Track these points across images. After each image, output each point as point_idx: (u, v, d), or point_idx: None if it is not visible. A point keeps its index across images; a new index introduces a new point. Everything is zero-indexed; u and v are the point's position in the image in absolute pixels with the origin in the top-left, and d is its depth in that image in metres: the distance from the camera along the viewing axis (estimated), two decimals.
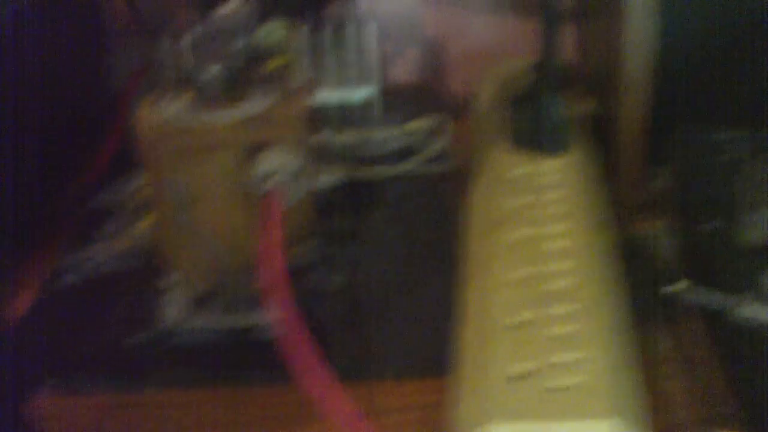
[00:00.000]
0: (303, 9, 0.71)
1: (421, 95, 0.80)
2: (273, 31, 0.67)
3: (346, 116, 0.70)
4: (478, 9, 0.81)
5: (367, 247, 0.62)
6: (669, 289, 0.53)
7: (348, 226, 0.64)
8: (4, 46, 0.61)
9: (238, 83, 0.51)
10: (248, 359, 0.52)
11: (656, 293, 0.53)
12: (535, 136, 0.56)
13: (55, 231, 0.66)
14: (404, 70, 0.83)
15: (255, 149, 0.50)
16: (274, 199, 0.48)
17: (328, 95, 0.68)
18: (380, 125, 0.69)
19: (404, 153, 0.69)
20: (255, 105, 0.51)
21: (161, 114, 0.51)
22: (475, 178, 0.59)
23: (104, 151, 0.71)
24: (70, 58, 0.72)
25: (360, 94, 0.69)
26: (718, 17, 0.57)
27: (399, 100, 0.74)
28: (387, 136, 0.68)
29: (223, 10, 0.56)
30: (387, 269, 0.59)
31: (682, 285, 0.53)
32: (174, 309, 0.54)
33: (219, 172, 0.50)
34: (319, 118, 0.69)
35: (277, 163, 0.49)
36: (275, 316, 0.45)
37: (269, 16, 0.68)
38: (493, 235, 0.50)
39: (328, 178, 0.65)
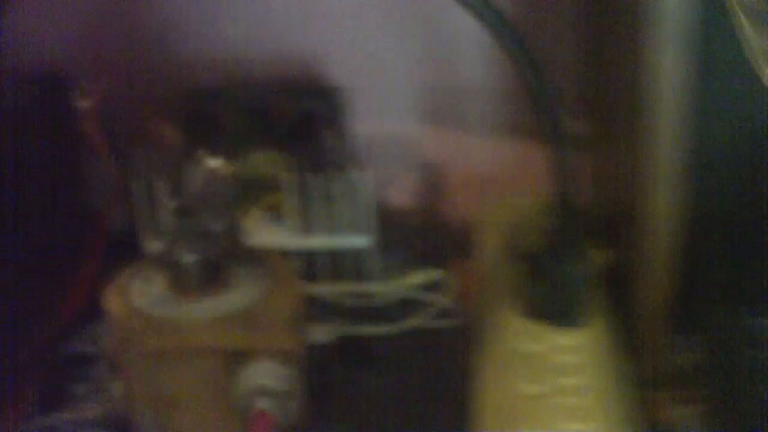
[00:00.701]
0: (292, 140, 0.65)
1: (420, 234, 0.73)
2: (262, 163, 0.61)
3: (339, 266, 0.64)
4: (480, 130, 0.75)
5: (364, 411, 0.56)
6: None
7: (344, 389, 0.58)
8: None
9: (220, 266, 0.45)
10: None
11: None
12: (549, 306, 0.51)
13: (16, 388, 0.59)
14: (400, 198, 0.77)
15: (239, 355, 0.43)
16: (262, 424, 0.42)
17: (320, 242, 0.61)
18: (376, 276, 0.63)
19: (404, 308, 0.63)
20: (239, 296, 0.44)
21: (133, 301, 0.44)
22: (484, 349, 0.53)
23: (76, 291, 0.64)
24: (41, 183, 0.66)
25: (354, 242, 0.63)
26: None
27: (395, 244, 0.68)
28: (385, 289, 0.61)
29: (202, 174, 0.49)
30: None
31: None
32: None
33: (197, 377, 0.44)
34: (310, 267, 0.63)
35: (266, 379, 0.43)
36: None
37: (257, 147, 0.62)
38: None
39: (321, 334, 0.59)
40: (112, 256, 0.64)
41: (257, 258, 0.48)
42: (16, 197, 0.61)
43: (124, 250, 0.64)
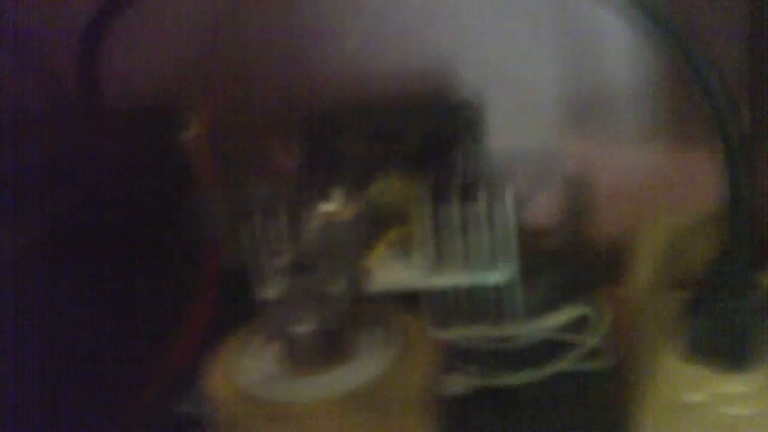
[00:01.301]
0: (422, 164, 0.59)
1: (564, 261, 0.66)
2: (388, 192, 0.55)
3: (474, 305, 0.57)
4: (630, 142, 0.68)
5: None
6: None
7: None
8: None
9: (341, 335, 0.38)
10: None
11: None
12: (714, 347, 0.45)
13: None
14: (539, 218, 0.70)
15: None
16: None
17: (453, 279, 0.54)
18: (517, 315, 0.56)
19: (548, 349, 0.56)
20: (363, 369, 0.38)
21: (240, 380, 0.38)
22: (639, 397, 0.48)
23: (185, 342, 0.58)
24: (147, 221, 0.61)
25: (493, 278, 0.56)
26: None
27: (536, 275, 0.61)
28: (526, 330, 0.55)
29: (318, 220, 0.43)
30: None
31: None
32: None
33: None
34: (442, 309, 0.57)
35: None
36: None
37: (382, 174, 0.56)
38: None
39: (456, 384, 0.53)
40: (227, 302, 0.59)
41: (383, 319, 0.41)
42: (120, 236, 0.56)
43: (234, 293, 0.59)
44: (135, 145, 0.59)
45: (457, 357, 0.56)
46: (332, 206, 0.44)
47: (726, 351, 0.45)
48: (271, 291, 0.49)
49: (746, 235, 0.44)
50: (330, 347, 0.39)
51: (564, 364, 0.55)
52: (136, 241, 0.58)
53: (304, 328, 0.38)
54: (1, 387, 0.41)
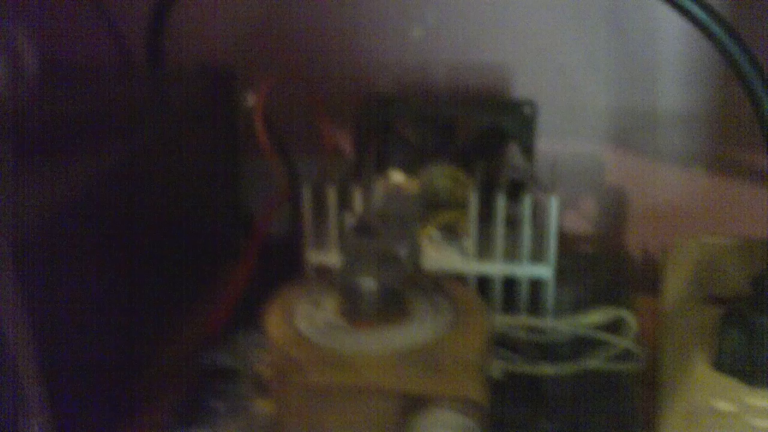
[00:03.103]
0: (474, 155, 0.60)
1: (599, 267, 0.67)
2: (440, 177, 0.56)
3: (514, 296, 0.58)
4: (673, 159, 0.69)
5: None
6: None
7: (511, 427, 0.52)
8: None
9: (401, 295, 0.39)
10: None
11: None
12: (745, 360, 0.46)
13: (152, 399, 0.55)
14: (578, 224, 0.71)
15: (416, 400, 0.38)
16: None
17: (496, 268, 0.55)
18: (553, 310, 0.58)
19: (580, 347, 0.57)
20: (420, 331, 0.39)
21: (299, 326, 0.39)
22: (667, 401, 0.49)
23: (225, 297, 0.60)
24: (199, 180, 0.63)
25: (534, 271, 0.57)
26: None
27: (573, 276, 0.62)
28: (561, 325, 0.56)
29: (386, 189, 0.44)
30: None
31: None
32: None
33: (364, 421, 0.39)
34: (482, 296, 0.57)
35: (446, 430, 0.37)
36: None
37: (435, 160, 0.57)
38: None
39: (494, 368, 0.54)
40: (269, 266, 0.60)
41: (442, 287, 0.43)
42: (172, 192, 0.58)
43: (282, 261, 0.60)
44: (194, 104, 0.60)
45: (496, 343, 0.56)
46: (399, 178, 0.46)
47: (758, 365, 0.46)
48: (319, 258, 0.51)
49: None
50: (391, 305, 0.40)
51: (596, 362, 0.55)
52: (185, 199, 0.60)
53: (368, 283, 0.39)
54: (43, 333, 0.41)
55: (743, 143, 0.68)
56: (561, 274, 0.59)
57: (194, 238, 0.62)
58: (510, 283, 0.59)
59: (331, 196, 0.55)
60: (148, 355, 0.56)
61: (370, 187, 0.44)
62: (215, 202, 0.66)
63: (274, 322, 0.40)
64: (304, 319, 0.40)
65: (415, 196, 0.44)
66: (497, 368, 0.54)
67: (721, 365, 0.48)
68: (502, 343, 0.57)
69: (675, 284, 0.58)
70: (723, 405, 0.46)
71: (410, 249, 0.41)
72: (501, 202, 0.56)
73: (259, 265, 0.61)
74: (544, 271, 0.57)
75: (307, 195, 0.56)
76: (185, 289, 0.61)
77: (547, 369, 0.56)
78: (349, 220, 0.53)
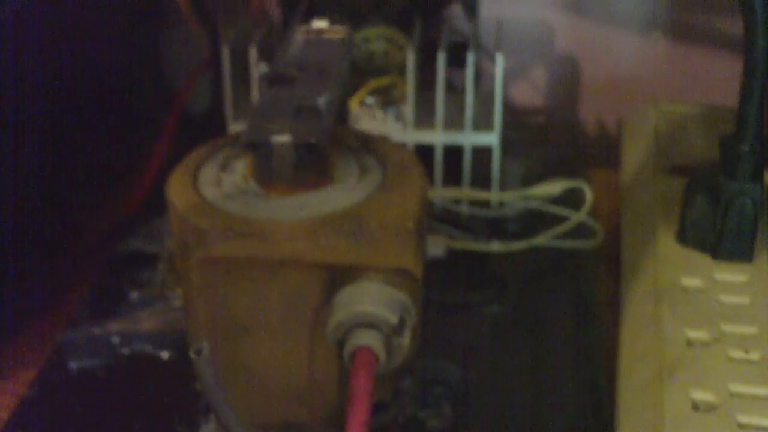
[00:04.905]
0: (412, 16, 0.55)
1: (551, 138, 0.63)
2: (374, 40, 0.51)
3: (456, 167, 0.54)
4: (631, 26, 0.65)
5: (478, 344, 0.46)
6: None
7: (455, 315, 0.48)
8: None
9: (321, 152, 0.34)
10: None
11: None
12: (713, 234, 0.43)
13: (65, 288, 0.51)
14: (527, 94, 0.67)
15: (340, 272, 0.32)
16: (363, 364, 0.31)
17: (435, 137, 0.51)
18: (500, 183, 0.53)
19: (530, 222, 0.53)
20: (345, 194, 0.34)
21: (205, 192, 0.34)
22: (627, 278, 0.45)
23: (142, 178, 0.55)
24: (117, 48, 0.58)
25: (477, 140, 0.52)
26: None
27: (522, 147, 0.57)
28: (509, 199, 0.51)
29: (304, 35, 0.39)
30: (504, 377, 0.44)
31: None
32: None
33: (281, 298, 0.34)
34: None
35: (375, 306, 0.32)
36: None
37: (369, 22, 0.52)
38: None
39: (432, 248, 0.50)
40: (192, 141, 0.56)
41: (372, 146, 0.37)
42: (86, 61, 0.54)
43: (205, 135, 0.55)
44: None
45: (434, 218, 0.52)
46: (321, 23, 0.40)
47: (726, 239, 0.43)
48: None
49: (756, 119, 0.41)
50: (309, 166, 0.34)
51: (547, 238, 0.51)
52: (102, 68, 0.56)
53: (280, 138, 0.34)
54: None
55: (704, 7, 0.64)
56: (509, 146, 0.55)
57: (113, 112, 0.58)
58: (452, 155, 0.53)
59: (253, 55, 0.50)
60: (64, 236, 0.53)
61: (290, 38, 0.38)
62: (134, 73, 0.61)
63: (176, 189, 0.35)
64: (211, 184, 0.35)
65: (340, 40, 0.38)
66: (440, 245, 0.49)
67: (685, 237, 0.44)
68: (445, 219, 0.53)
69: (634, 155, 0.54)
70: (690, 281, 0.42)
71: (331, 100, 0.35)
72: (441, 64, 0.51)
73: (180, 140, 0.57)
74: (490, 139, 0.52)
75: (225, 57, 0.51)
76: (103, 166, 0.57)
77: (495, 246, 0.51)
78: (262, 69, 0.48)
